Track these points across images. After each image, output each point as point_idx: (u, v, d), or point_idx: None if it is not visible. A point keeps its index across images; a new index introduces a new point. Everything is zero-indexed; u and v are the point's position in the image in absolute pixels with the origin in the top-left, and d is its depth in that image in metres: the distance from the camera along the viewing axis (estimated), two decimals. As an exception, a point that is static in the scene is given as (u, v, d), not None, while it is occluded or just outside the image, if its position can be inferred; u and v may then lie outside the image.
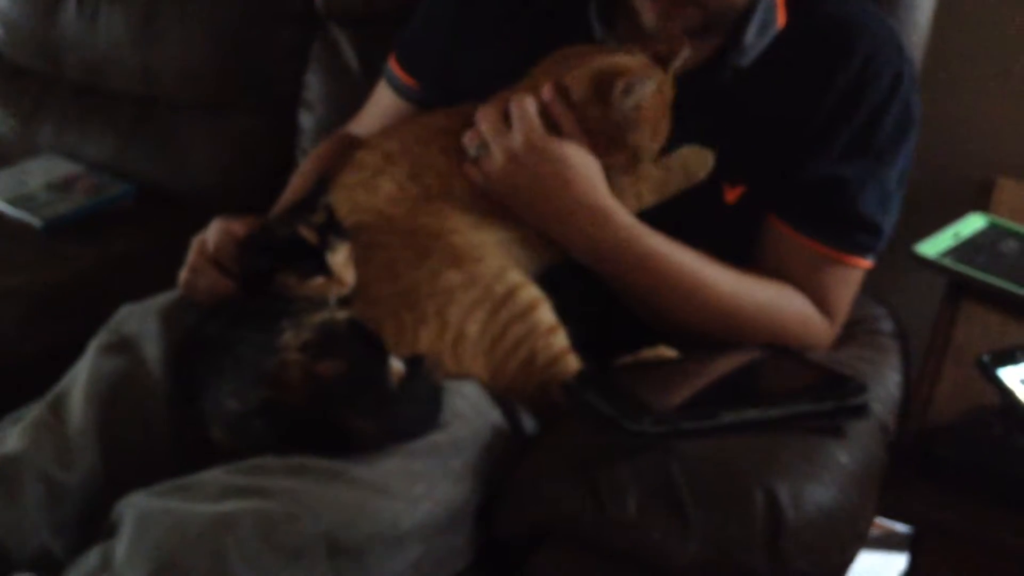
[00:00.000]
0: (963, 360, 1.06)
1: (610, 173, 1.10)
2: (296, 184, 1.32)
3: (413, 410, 0.99)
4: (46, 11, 1.87)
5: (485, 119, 1.09)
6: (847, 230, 1.15)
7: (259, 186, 1.50)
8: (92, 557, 0.88)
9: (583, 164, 1.08)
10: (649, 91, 1.05)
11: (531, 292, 1.08)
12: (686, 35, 1.10)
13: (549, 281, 1.11)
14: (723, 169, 1.13)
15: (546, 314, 1.08)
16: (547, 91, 1.07)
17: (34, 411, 1.02)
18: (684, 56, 1.09)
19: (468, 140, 1.10)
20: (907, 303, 1.32)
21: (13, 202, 1.68)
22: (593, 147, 1.08)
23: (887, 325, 1.26)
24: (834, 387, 0.99)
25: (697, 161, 1.12)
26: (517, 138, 1.07)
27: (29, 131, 1.88)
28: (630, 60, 1.08)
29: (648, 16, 1.11)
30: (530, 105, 1.07)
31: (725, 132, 1.12)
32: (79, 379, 1.02)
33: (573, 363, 1.07)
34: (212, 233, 1.09)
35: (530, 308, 1.07)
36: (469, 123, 1.11)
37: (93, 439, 0.97)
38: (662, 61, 1.09)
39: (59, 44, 1.87)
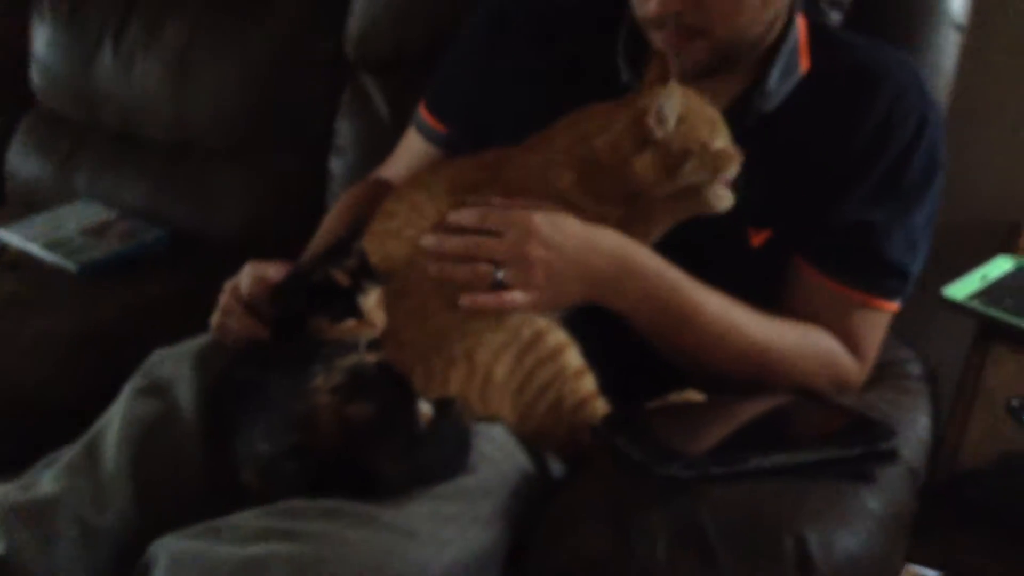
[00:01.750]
0: (993, 404, 1.06)
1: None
2: (327, 228, 1.33)
3: (442, 453, 0.99)
4: (83, 60, 1.92)
5: (473, 246, 1.05)
6: (875, 274, 1.15)
7: (291, 230, 1.51)
8: (126, 599, 0.89)
9: (586, 224, 1.07)
10: (677, 104, 1.05)
11: (558, 336, 1.08)
12: (704, 75, 1.11)
13: (576, 325, 1.11)
14: (749, 213, 1.13)
15: (574, 358, 1.08)
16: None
17: (68, 454, 1.03)
18: (677, 64, 1.10)
19: (482, 271, 1.06)
20: (936, 346, 1.32)
21: (49, 247, 1.71)
22: (666, 182, 1.07)
23: (916, 368, 1.25)
24: (863, 432, 0.98)
25: (715, 193, 1.11)
26: (519, 230, 1.05)
27: (65, 177, 1.93)
28: (642, 100, 1.08)
29: (661, 51, 1.12)
30: (497, 209, 1.06)
31: (751, 177, 1.12)
32: (113, 422, 1.03)
33: (601, 407, 1.07)
34: (245, 277, 1.10)
35: (557, 351, 1.08)
36: (496, 173, 1.12)
37: (127, 482, 0.98)
38: (664, 79, 1.09)
39: (95, 92, 1.92)
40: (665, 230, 1.12)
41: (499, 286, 1.06)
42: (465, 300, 1.05)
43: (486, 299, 1.05)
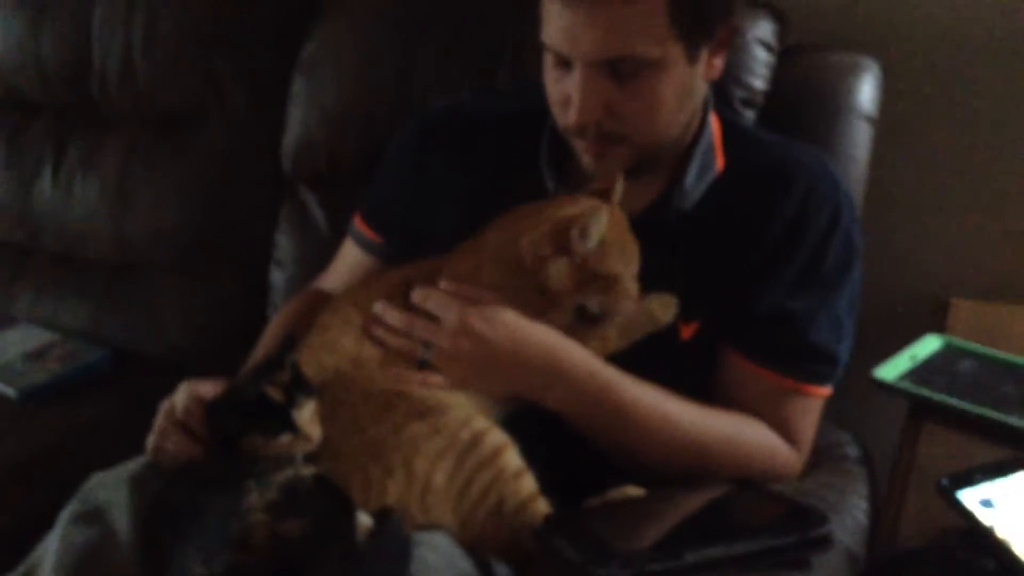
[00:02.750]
0: (927, 483, 1.06)
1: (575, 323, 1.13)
2: (265, 341, 1.34)
3: (381, 565, 0.98)
4: (22, 185, 1.93)
5: (409, 323, 1.11)
6: (803, 360, 1.18)
7: (233, 344, 1.51)
8: None
9: (521, 321, 1.10)
10: (603, 225, 1.08)
11: (497, 436, 1.09)
12: (626, 176, 1.15)
13: (514, 424, 1.12)
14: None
15: (512, 458, 1.08)
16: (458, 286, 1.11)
17: (3, 585, 1.01)
18: (620, 187, 1.13)
19: (406, 347, 1.11)
20: (871, 427, 1.34)
21: (-10, 373, 1.70)
22: (573, 294, 1.11)
23: (852, 451, 1.27)
24: (796, 519, 0.99)
25: (661, 306, 1.15)
26: (452, 319, 1.09)
27: (6, 302, 1.91)
28: (574, 208, 1.12)
29: (585, 158, 1.17)
30: (441, 293, 1.11)
31: (674, 272, 1.15)
32: (49, 551, 1.02)
33: (542, 507, 1.07)
34: (180, 397, 1.10)
35: (496, 453, 1.08)
36: (430, 278, 1.14)
37: (62, 612, 0.97)
38: (603, 195, 1.13)
39: (35, 216, 1.92)
40: (621, 347, 1.14)
41: (424, 365, 1.09)
42: (389, 370, 1.09)
43: (408, 374, 1.10)
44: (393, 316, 1.11)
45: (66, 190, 1.88)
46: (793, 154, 1.22)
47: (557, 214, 1.12)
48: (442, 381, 1.10)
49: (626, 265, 1.12)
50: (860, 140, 1.43)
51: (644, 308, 1.14)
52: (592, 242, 1.08)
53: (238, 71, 1.79)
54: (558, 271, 1.09)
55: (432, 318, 1.10)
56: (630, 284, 1.12)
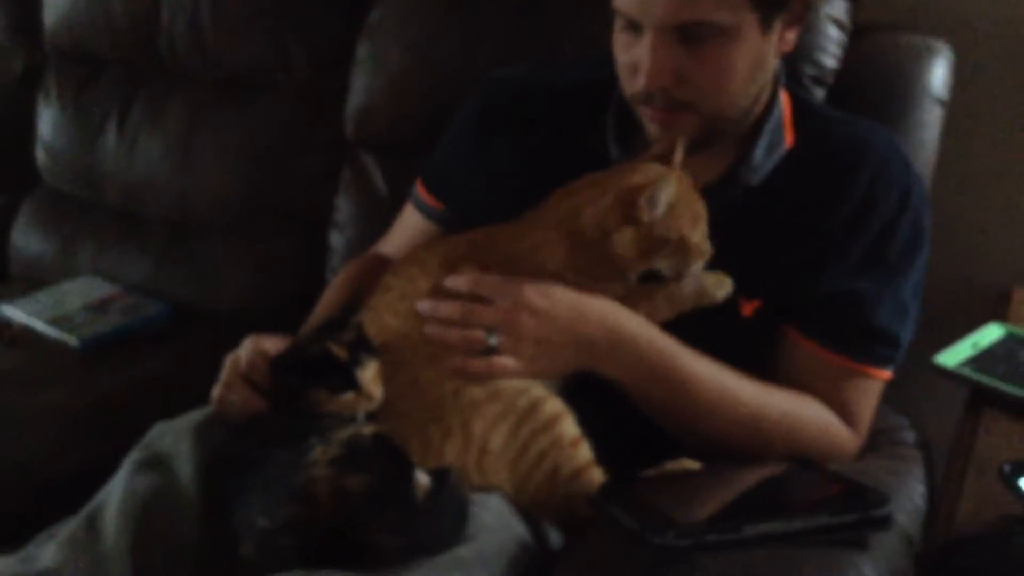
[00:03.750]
0: (986, 470, 1.06)
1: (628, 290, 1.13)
2: (326, 303, 1.36)
3: (439, 524, 0.99)
4: (87, 140, 1.96)
5: (465, 312, 1.09)
6: (865, 342, 1.17)
7: (290, 305, 1.54)
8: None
9: (577, 293, 1.10)
10: (671, 192, 1.07)
11: (554, 405, 1.10)
12: (692, 148, 1.14)
13: (572, 394, 1.12)
14: (739, 283, 1.15)
15: (569, 427, 1.09)
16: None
17: (69, 527, 1.04)
18: (681, 149, 1.12)
19: (474, 337, 1.08)
20: (929, 413, 1.33)
21: (52, 322, 1.73)
22: (640, 261, 1.10)
23: (910, 435, 1.26)
24: (857, 499, 0.99)
25: (715, 283, 1.14)
26: (509, 299, 1.08)
27: (68, 254, 1.95)
28: (637, 176, 1.11)
29: (652, 127, 1.16)
30: (488, 277, 1.09)
31: (739, 248, 1.14)
32: (113, 496, 1.04)
33: (597, 476, 1.08)
34: (245, 351, 1.12)
35: (553, 421, 1.09)
36: (491, 250, 1.14)
37: (126, 556, 0.99)
38: (664, 159, 1.12)
39: (99, 171, 1.95)
40: (668, 318, 1.14)
41: (491, 352, 1.08)
42: (455, 363, 1.08)
43: (477, 365, 1.08)
44: (446, 309, 1.10)
45: (130, 146, 1.91)
46: (864, 134, 1.21)
47: (621, 183, 1.11)
48: (512, 364, 1.09)
49: (695, 225, 1.11)
50: (930, 123, 1.41)
51: (697, 281, 1.14)
52: (660, 210, 1.08)
53: (304, 36, 1.80)
54: (624, 241, 1.09)
55: (486, 302, 1.09)
56: (701, 241, 1.11)
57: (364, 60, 1.74)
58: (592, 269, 1.11)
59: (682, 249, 1.10)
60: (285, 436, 1.02)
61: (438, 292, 1.11)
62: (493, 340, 1.09)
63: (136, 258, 1.89)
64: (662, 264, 1.11)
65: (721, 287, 1.14)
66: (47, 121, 2.01)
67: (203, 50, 1.86)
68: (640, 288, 1.13)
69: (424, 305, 1.11)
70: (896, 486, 1.11)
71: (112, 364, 1.64)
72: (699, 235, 1.11)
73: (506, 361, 1.08)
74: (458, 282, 1.10)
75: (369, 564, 0.94)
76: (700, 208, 1.12)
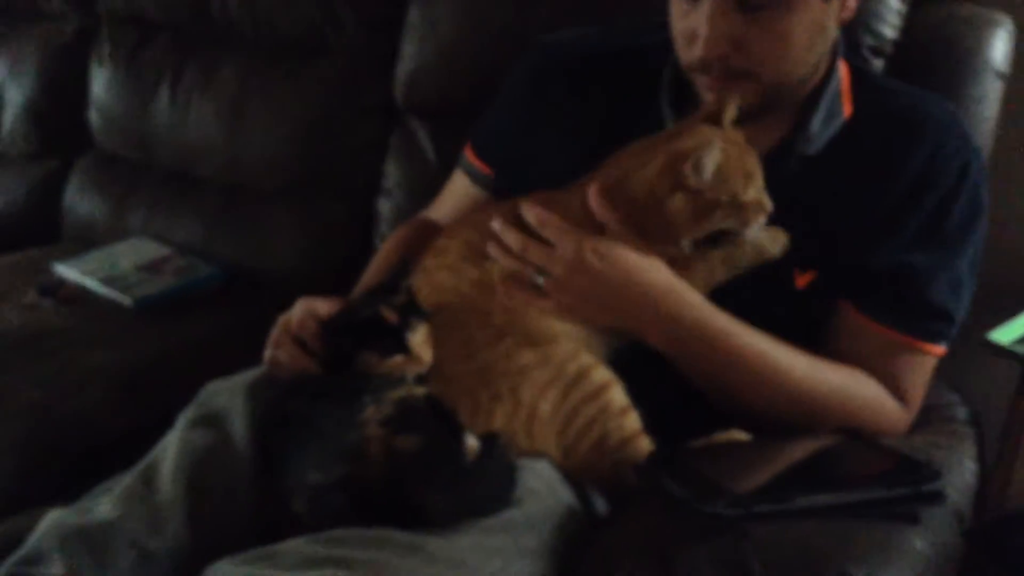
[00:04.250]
0: (1039, 448, 1.05)
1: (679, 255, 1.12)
2: (376, 266, 1.36)
3: (487, 486, 1.00)
4: (140, 102, 1.98)
5: (524, 245, 1.10)
6: (919, 317, 1.15)
7: (339, 269, 1.55)
8: (180, 621, 0.91)
9: (637, 259, 1.09)
10: (716, 155, 1.06)
11: (603, 373, 1.10)
12: (749, 118, 1.12)
13: (622, 363, 1.12)
14: (793, 255, 1.14)
15: (618, 395, 1.09)
16: (594, 200, 1.10)
17: (125, 481, 1.06)
18: (732, 109, 1.10)
19: (520, 270, 1.11)
20: (981, 390, 1.32)
21: (105, 282, 1.75)
22: (695, 225, 1.09)
23: (962, 412, 1.25)
24: (909, 473, 0.98)
25: (770, 239, 1.13)
26: (568, 251, 1.08)
27: (121, 215, 1.98)
28: (687, 140, 1.09)
29: (708, 97, 1.14)
30: (558, 221, 1.10)
31: (794, 219, 1.13)
32: (169, 451, 1.06)
33: (645, 444, 1.08)
34: (297, 312, 1.13)
35: (602, 389, 1.09)
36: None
37: (181, 509, 1.01)
38: (715, 119, 1.11)
39: (152, 133, 1.98)
40: (726, 278, 1.13)
41: (536, 289, 1.10)
42: (501, 286, 1.10)
43: (520, 294, 1.10)
44: (510, 237, 1.11)
45: (183, 109, 1.93)
46: (924, 105, 1.19)
47: (670, 148, 1.10)
48: (550, 304, 1.10)
49: (748, 182, 1.09)
50: (990, 96, 1.38)
51: (752, 240, 1.12)
52: (708, 174, 1.06)
53: (355, 1, 1.80)
54: (675, 208, 1.09)
55: (548, 244, 1.10)
56: (758, 198, 1.09)
57: (415, 25, 1.73)
58: (645, 233, 1.11)
59: (737, 209, 1.09)
60: (337, 396, 1.03)
61: (511, 221, 1.12)
62: (539, 281, 1.10)
63: (188, 221, 1.92)
64: (720, 224, 1.10)
65: (776, 242, 1.13)
66: (100, 84, 2.03)
67: (254, 14, 1.88)
68: (695, 251, 1.12)
69: (496, 224, 1.12)
70: (947, 462, 1.10)
71: (165, 324, 1.66)
72: (753, 192, 1.09)
73: (546, 303, 1.10)
74: (530, 214, 1.11)
75: (418, 523, 0.95)
76: (752, 165, 1.10)
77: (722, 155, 1.07)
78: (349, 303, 1.14)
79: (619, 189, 1.12)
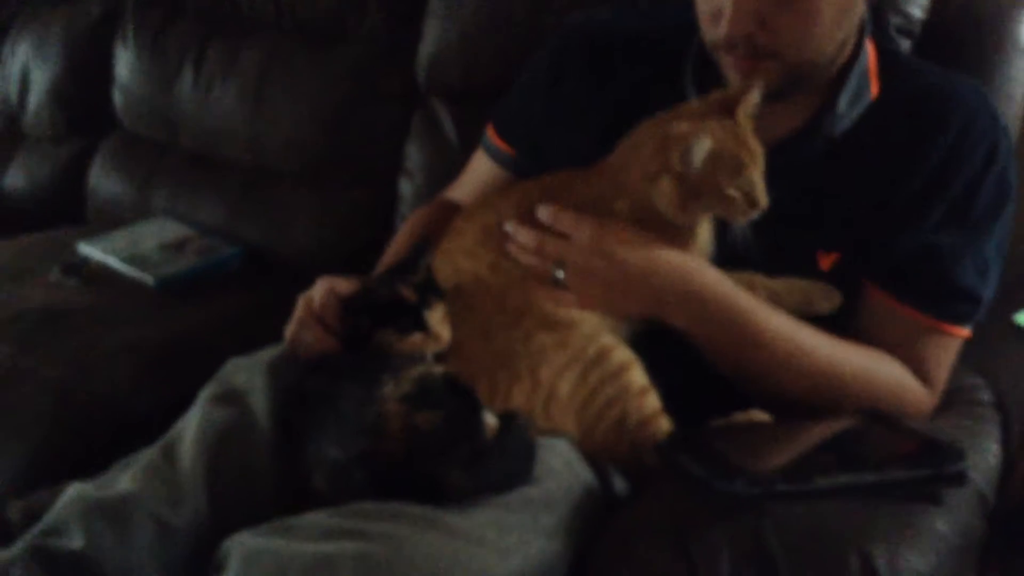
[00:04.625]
0: (1065, 432, 1.04)
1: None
2: (396, 246, 1.36)
3: (506, 464, 1.00)
4: (164, 84, 1.99)
5: (540, 241, 1.10)
6: (945, 299, 1.14)
7: (360, 250, 1.55)
8: (199, 593, 0.91)
9: (655, 242, 1.09)
10: (707, 145, 1.04)
11: (622, 354, 1.09)
12: (774, 97, 1.11)
13: (641, 344, 1.12)
14: (817, 236, 1.14)
15: (637, 376, 1.09)
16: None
17: (146, 456, 1.06)
18: (754, 97, 1.08)
19: (539, 266, 1.10)
20: (1007, 373, 1.30)
21: (129, 261, 1.76)
22: (681, 211, 1.08)
23: (986, 395, 1.23)
24: (932, 454, 0.97)
25: (821, 293, 1.13)
26: (584, 238, 1.08)
27: (144, 196, 1.99)
28: (681, 125, 1.08)
29: (733, 76, 1.13)
30: (571, 212, 1.09)
31: (819, 200, 1.12)
32: (190, 427, 1.06)
33: (665, 425, 1.08)
34: (317, 291, 1.13)
35: (621, 369, 1.09)
36: (565, 196, 1.13)
37: (202, 483, 1.01)
38: (726, 108, 1.09)
39: (175, 115, 1.99)
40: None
41: (557, 283, 1.09)
42: (522, 285, 1.10)
43: (540, 290, 1.10)
44: (524, 235, 1.11)
45: (206, 91, 1.94)
46: (952, 86, 1.17)
47: (664, 131, 1.09)
48: (574, 299, 1.10)
49: (735, 176, 1.06)
50: (1019, 77, 1.36)
51: (805, 287, 1.12)
52: (696, 163, 1.05)
53: (378, -17, 1.80)
54: (662, 188, 1.07)
55: (564, 237, 1.10)
56: (749, 194, 1.07)
57: (437, 7, 1.73)
58: (651, 220, 1.10)
59: (723, 201, 1.07)
60: (357, 373, 1.04)
61: (524, 219, 1.12)
62: (560, 274, 1.09)
63: (210, 202, 1.93)
64: (705, 212, 1.09)
65: (828, 300, 1.13)
66: (124, 65, 2.04)
67: (277, -2, 1.88)
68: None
69: (509, 226, 1.12)
70: (970, 444, 1.09)
71: (187, 303, 1.67)
72: (743, 187, 1.06)
73: (568, 297, 1.09)
74: (542, 213, 1.11)
75: (437, 500, 0.95)
76: (748, 158, 1.07)
77: (715, 145, 1.05)
78: (368, 282, 1.14)
79: (624, 172, 1.11)
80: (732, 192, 1.06)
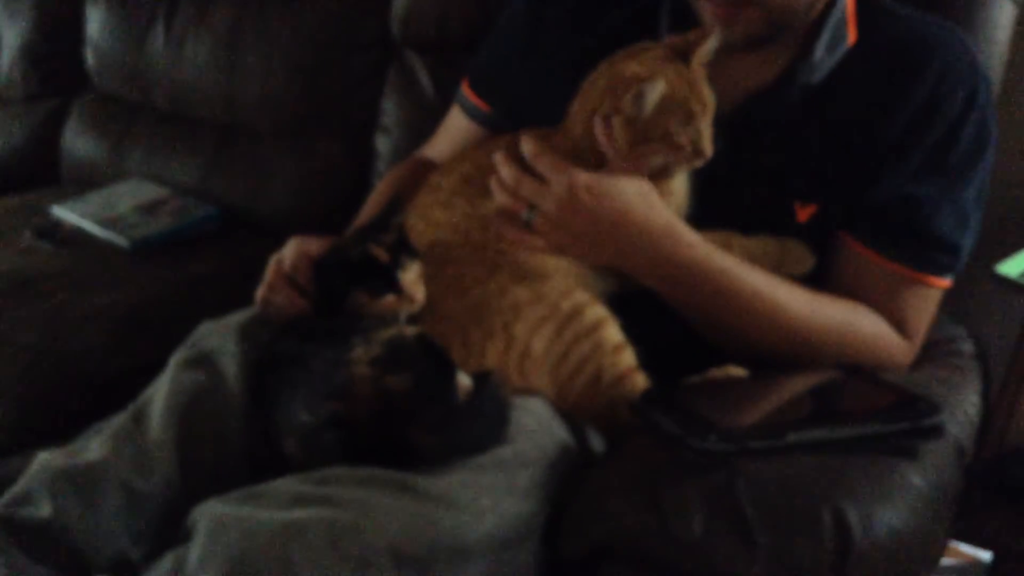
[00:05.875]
0: (1044, 383, 1.03)
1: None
2: (370, 206, 1.35)
3: (479, 425, 0.99)
4: (136, 41, 1.95)
5: (517, 180, 1.08)
6: (924, 249, 1.13)
7: (337, 208, 1.53)
8: (166, 562, 0.90)
9: (634, 190, 1.07)
10: (658, 92, 1.03)
11: (597, 311, 1.08)
12: (752, 46, 1.09)
13: (616, 301, 1.11)
14: (795, 188, 1.12)
15: (612, 333, 1.08)
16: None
17: (117, 421, 1.05)
18: (711, 43, 1.06)
19: (512, 205, 1.09)
20: (987, 324, 1.29)
21: (102, 223, 1.74)
22: (640, 150, 1.07)
23: (966, 346, 1.23)
24: (908, 408, 0.97)
25: (795, 255, 1.12)
26: (560, 186, 1.06)
27: (119, 156, 1.96)
28: (636, 66, 1.06)
29: (710, 23, 1.10)
30: (553, 156, 1.07)
31: (796, 150, 1.11)
32: (160, 392, 1.05)
33: (640, 382, 1.07)
34: (288, 252, 1.12)
35: (596, 326, 1.07)
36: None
37: (171, 449, 1.00)
38: (681, 53, 1.07)
39: (148, 73, 1.95)
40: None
41: (527, 226, 1.08)
42: (493, 221, 1.09)
43: (510, 231, 1.09)
44: (505, 170, 1.09)
45: (177, 47, 1.90)
46: (931, 30, 1.15)
47: (616, 71, 1.07)
48: (541, 244, 1.09)
49: (687, 123, 1.05)
50: (1002, 22, 1.34)
51: (781, 247, 1.11)
52: (647, 108, 1.03)
53: (350, -67, 1.76)
54: (614, 129, 1.05)
55: (543, 180, 1.08)
56: (695, 141, 1.05)
57: (411, -44, 1.70)
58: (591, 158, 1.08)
59: (671, 148, 1.06)
60: (327, 336, 1.03)
61: (511, 157, 1.10)
62: (530, 216, 1.08)
63: (184, 161, 1.90)
64: (652, 159, 1.07)
65: (802, 262, 1.12)
66: (95, 21, 2.01)
67: (248, -53, 1.83)
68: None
69: (497, 156, 1.10)
70: (949, 397, 1.08)
71: (162, 265, 1.65)
72: (690, 134, 1.05)
73: (536, 241, 1.08)
74: (526, 147, 1.09)
75: (409, 463, 0.94)
76: (698, 106, 1.05)
77: (667, 90, 1.03)
78: (340, 242, 1.12)
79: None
80: (681, 139, 1.05)
